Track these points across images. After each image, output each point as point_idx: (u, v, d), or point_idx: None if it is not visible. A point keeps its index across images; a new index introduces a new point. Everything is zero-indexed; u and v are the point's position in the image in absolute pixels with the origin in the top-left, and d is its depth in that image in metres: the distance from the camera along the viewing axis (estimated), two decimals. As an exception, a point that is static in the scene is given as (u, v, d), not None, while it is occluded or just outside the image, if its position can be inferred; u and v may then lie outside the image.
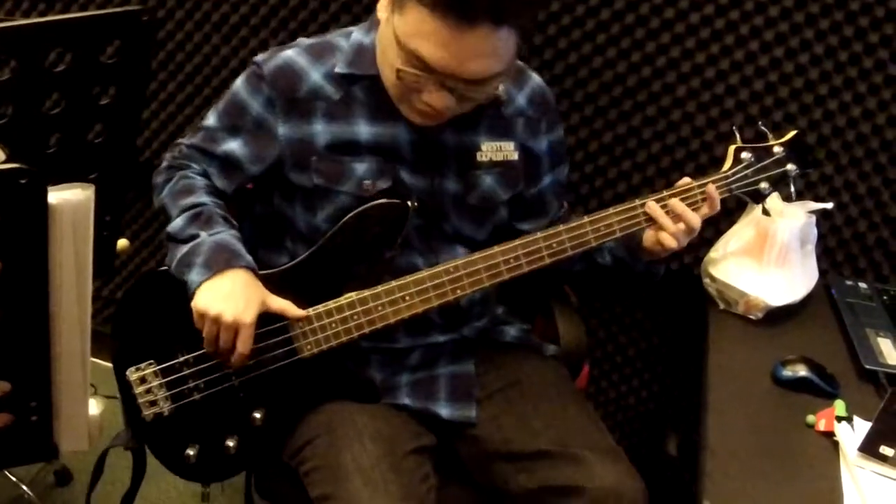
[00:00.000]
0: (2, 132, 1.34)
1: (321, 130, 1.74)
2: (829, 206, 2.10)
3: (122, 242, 1.84)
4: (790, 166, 1.81)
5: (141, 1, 2.54)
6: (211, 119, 1.83)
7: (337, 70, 1.73)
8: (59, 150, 1.42)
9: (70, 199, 1.01)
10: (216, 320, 1.63)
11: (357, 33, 1.77)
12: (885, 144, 2.13)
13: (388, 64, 1.62)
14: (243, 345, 1.65)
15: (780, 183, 1.82)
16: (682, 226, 1.72)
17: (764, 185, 1.80)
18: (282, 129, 1.74)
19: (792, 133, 1.84)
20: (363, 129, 1.74)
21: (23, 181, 0.96)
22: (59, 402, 1.17)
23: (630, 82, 2.23)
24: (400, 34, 1.56)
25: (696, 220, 1.73)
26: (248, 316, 1.64)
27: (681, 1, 2.13)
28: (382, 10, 1.64)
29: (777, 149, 1.81)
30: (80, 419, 1.20)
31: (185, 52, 2.56)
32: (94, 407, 1.23)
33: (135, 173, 1.57)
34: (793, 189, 1.84)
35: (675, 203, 1.73)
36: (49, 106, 1.38)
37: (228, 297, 1.65)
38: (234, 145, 1.79)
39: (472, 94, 1.62)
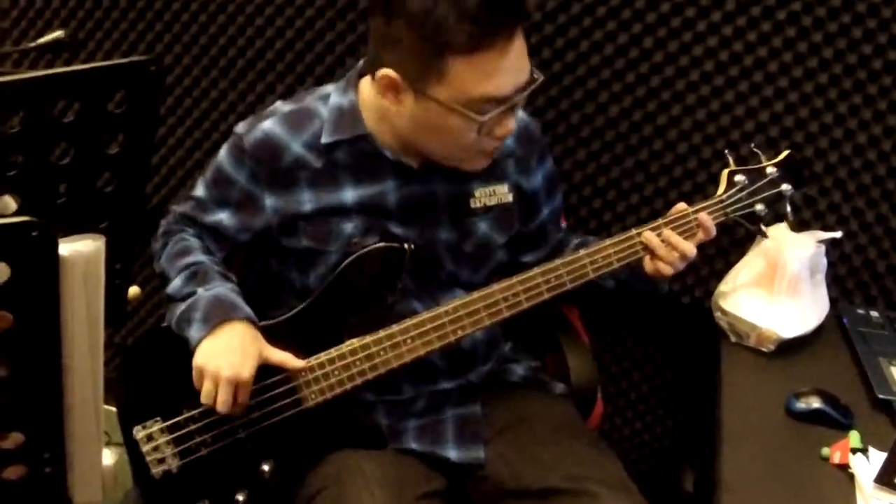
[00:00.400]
0: (12, 182, 1.35)
1: (307, 199, 1.75)
2: (838, 234, 2.09)
3: (134, 290, 1.84)
4: (785, 186, 1.81)
5: (148, 47, 2.57)
6: (199, 190, 1.85)
7: (323, 141, 1.74)
8: (68, 199, 1.42)
9: (81, 250, 1.02)
10: (214, 377, 1.64)
11: (335, 96, 1.78)
12: (892, 171, 2.13)
13: (452, 132, 1.63)
14: (242, 397, 1.66)
15: (775, 204, 1.82)
16: (675, 254, 1.73)
17: (759, 206, 1.80)
18: (268, 201, 1.76)
19: (785, 153, 1.84)
20: (349, 194, 1.75)
21: (34, 234, 0.97)
22: (72, 453, 1.17)
23: (625, 102, 2.23)
24: (455, 98, 1.57)
25: (690, 249, 1.73)
26: (246, 370, 1.64)
27: (673, 20, 2.13)
28: (396, 103, 1.64)
29: (770, 169, 1.82)
30: (93, 470, 1.20)
31: (192, 98, 2.57)
32: (108, 457, 1.23)
33: (145, 220, 1.58)
34: (789, 209, 1.84)
35: (668, 234, 1.74)
36: (58, 155, 1.39)
37: (226, 353, 1.65)
38: (222, 216, 1.82)
39: (523, 100, 1.67)
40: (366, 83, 1.75)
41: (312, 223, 1.75)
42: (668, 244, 1.73)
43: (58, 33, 1.67)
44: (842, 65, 2.07)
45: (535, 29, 2.19)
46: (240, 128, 1.79)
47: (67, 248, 1.01)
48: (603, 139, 2.28)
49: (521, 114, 1.87)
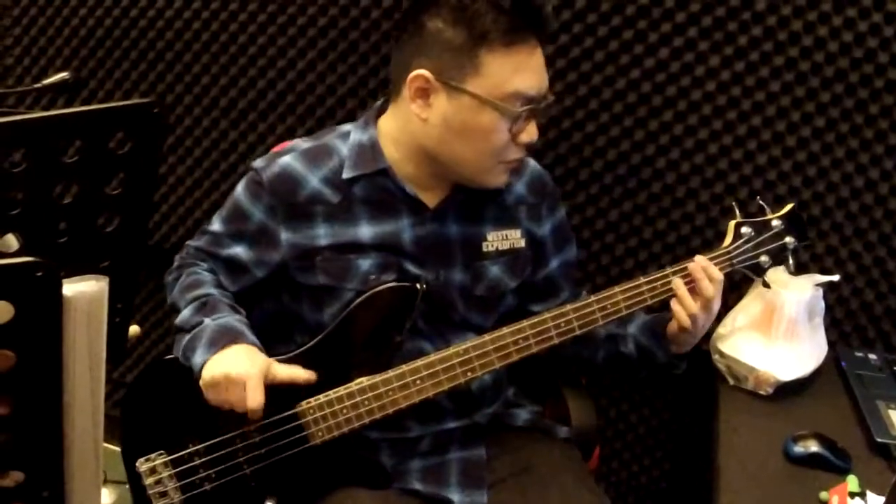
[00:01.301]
0: (14, 221, 1.35)
1: (323, 234, 1.76)
2: (836, 278, 2.10)
3: (134, 329, 1.85)
4: (788, 239, 1.83)
5: (150, 87, 2.59)
6: (216, 224, 1.86)
7: (344, 176, 1.76)
8: (70, 238, 1.43)
9: (84, 290, 1.02)
10: (223, 380, 1.63)
11: (355, 133, 1.81)
12: (889, 214, 2.15)
13: (481, 132, 1.67)
14: (252, 398, 1.62)
15: (779, 255, 1.83)
16: (698, 303, 1.73)
17: (764, 258, 1.82)
18: (284, 235, 1.77)
19: (789, 206, 1.86)
20: (365, 230, 1.76)
21: (39, 274, 0.97)
22: (71, 492, 1.16)
23: (634, 159, 2.26)
24: (489, 90, 1.63)
25: (709, 288, 1.73)
26: (255, 368, 1.63)
27: (683, 79, 2.16)
28: (425, 108, 1.68)
29: (775, 222, 1.83)
30: (92, 509, 1.20)
31: (193, 137, 2.59)
32: (107, 497, 1.23)
33: (145, 259, 1.58)
34: (791, 261, 1.85)
35: (677, 284, 1.75)
36: (60, 194, 1.40)
37: (233, 361, 1.65)
38: (238, 250, 1.82)
39: (544, 115, 1.74)
40: (385, 118, 1.79)
41: (329, 259, 1.76)
42: (691, 285, 1.74)
43: (63, 74, 1.69)
44: (839, 109, 2.09)
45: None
46: (258, 163, 1.80)
47: (71, 288, 1.01)
48: (611, 196, 2.31)
49: (533, 164, 1.92)
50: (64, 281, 1.00)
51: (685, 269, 1.76)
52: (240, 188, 1.83)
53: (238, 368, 1.63)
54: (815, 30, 2.05)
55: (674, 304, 1.75)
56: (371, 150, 1.76)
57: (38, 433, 1.09)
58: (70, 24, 2.61)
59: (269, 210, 1.77)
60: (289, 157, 1.79)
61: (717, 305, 1.75)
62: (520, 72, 1.64)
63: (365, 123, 1.81)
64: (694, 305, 1.73)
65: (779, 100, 2.12)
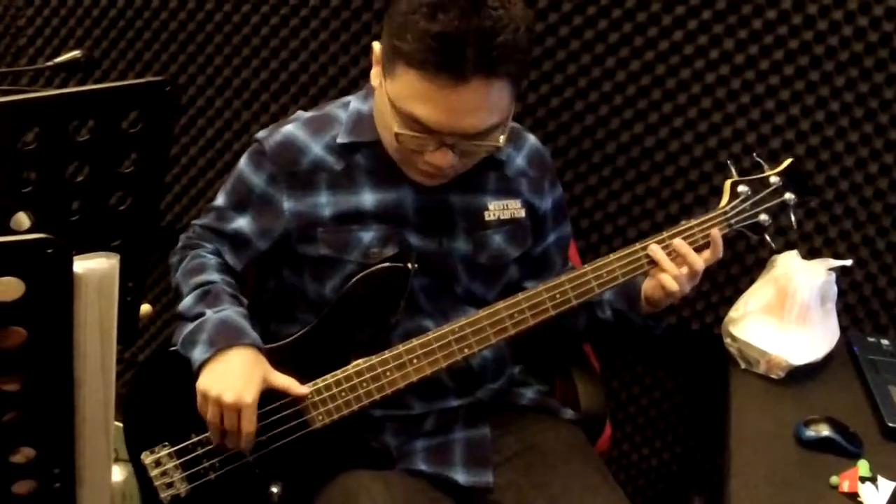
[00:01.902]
0: (27, 199, 1.35)
1: (325, 202, 1.76)
2: (849, 262, 2.09)
3: (146, 308, 1.85)
4: (788, 195, 1.81)
5: (163, 67, 2.59)
6: (220, 199, 1.86)
7: (339, 140, 1.76)
8: (82, 217, 1.43)
9: (95, 268, 1.02)
10: (217, 402, 1.63)
11: (354, 102, 1.81)
12: (904, 199, 2.14)
13: (387, 129, 1.65)
14: (246, 425, 1.65)
15: (779, 213, 1.82)
16: (685, 269, 1.72)
17: (763, 216, 1.80)
18: (287, 204, 1.77)
19: (787, 162, 1.84)
20: (367, 198, 1.75)
21: (49, 251, 0.97)
22: (82, 469, 1.17)
23: (626, 114, 2.25)
24: (393, 98, 1.59)
25: (698, 261, 1.72)
26: (249, 396, 1.63)
27: (675, 33, 2.15)
28: (375, 77, 1.67)
29: (773, 179, 1.81)
30: (103, 486, 1.20)
31: (206, 118, 2.59)
32: (118, 474, 1.23)
33: (157, 238, 1.58)
34: (793, 218, 1.84)
35: (679, 243, 1.73)
36: (72, 173, 1.40)
37: (229, 378, 1.65)
38: (242, 222, 1.82)
39: (473, 149, 1.64)
40: None
41: (330, 230, 1.76)
42: (676, 255, 1.73)
43: (75, 53, 1.69)
44: (853, 93, 2.09)
45: (537, 41, 2.20)
46: (260, 134, 1.81)
47: (82, 265, 1.01)
48: (604, 151, 2.30)
49: (532, 139, 1.90)
50: (75, 258, 1.00)
51: (682, 232, 1.74)
52: (243, 160, 1.83)
53: (232, 392, 1.63)
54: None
55: (657, 272, 1.74)
56: (369, 120, 1.76)
57: (49, 410, 1.09)
58: (83, 5, 2.60)
59: (271, 178, 1.77)
60: (291, 126, 1.80)
61: (700, 271, 1.74)
62: (422, 100, 1.55)
63: (365, 94, 1.81)
64: (675, 269, 1.71)
65: (793, 84, 2.11)
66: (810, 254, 2.18)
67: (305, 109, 2.40)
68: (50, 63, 1.67)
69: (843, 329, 2.11)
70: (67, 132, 1.32)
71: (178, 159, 2.66)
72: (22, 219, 1.38)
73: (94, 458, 1.17)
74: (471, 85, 1.52)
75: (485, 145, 1.64)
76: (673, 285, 1.71)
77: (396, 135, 1.61)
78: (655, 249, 1.73)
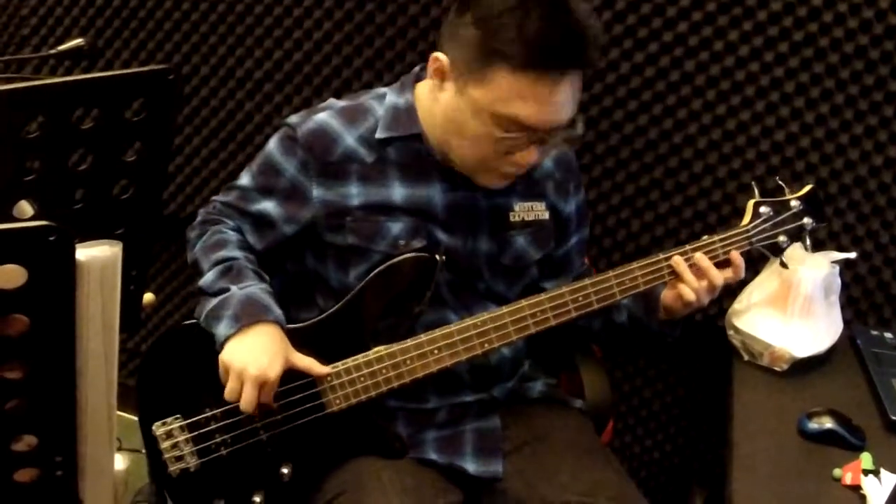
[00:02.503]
0: (29, 188, 1.35)
1: (355, 193, 1.75)
2: (853, 255, 2.09)
3: (148, 296, 1.85)
4: (806, 220, 1.82)
5: (166, 56, 2.59)
6: (245, 179, 1.84)
7: (377, 136, 1.75)
8: (85, 205, 1.43)
9: (98, 255, 1.02)
10: (240, 374, 1.63)
11: (391, 95, 1.80)
12: (908, 193, 2.13)
13: (468, 137, 1.65)
14: (267, 398, 1.65)
15: (797, 236, 1.83)
16: (704, 283, 1.73)
17: (782, 238, 1.81)
18: (316, 192, 1.76)
19: (808, 187, 1.85)
20: (397, 192, 1.75)
21: (52, 238, 0.97)
22: (84, 457, 1.17)
23: (652, 134, 2.24)
24: (487, 104, 1.59)
25: (718, 277, 1.73)
26: (273, 371, 1.63)
27: (701, 54, 2.15)
28: (437, 89, 1.68)
29: (794, 202, 1.83)
30: (105, 474, 1.20)
31: (209, 108, 2.59)
32: (120, 462, 1.23)
33: (160, 227, 1.58)
34: (808, 242, 1.85)
35: (700, 258, 1.74)
36: (76, 162, 1.40)
37: (253, 352, 1.65)
38: (268, 205, 1.80)
39: (560, 142, 1.68)
40: (423, 86, 1.78)
41: (359, 220, 1.75)
42: (696, 269, 1.74)
43: (78, 41, 1.68)
44: (858, 86, 2.08)
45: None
46: (293, 119, 1.79)
47: (84, 252, 1.01)
48: (628, 170, 2.30)
49: None
50: (77, 246, 1.00)
51: (704, 247, 1.75)
52: (273, 143, 1.81)
53: (257, 366, 1.63)
54: (835, 5, 2.03)
55: (678, 283, 1.74)
56: (406, 113, 1.76)
57: (52, 398, 1.09)
58: (87, -6, 2.61)
59: (302, 166, 1.76)
60: (324, 114, 1.78)
61: (720, 287, 1.75)
62: (523, 99, 1.58)
63: (402, 87, 1.80)
64: (696, 282, 1.72)
65: (797, 76, 2.10)
66: (814, 246, 2.17)
67: (309, 100, 2.42)
68: (53, 51, 1.67)
69: (846, 322, 2.10)
70: (70, 120, 1.32)
71: (181, 149, 2.65)
72: (25, 207, 1.38)
73: (97, 446, 1.17)
74: (568, 78, 1.58)
75: (571, 137, 1.69)
76: (691, 296, 1.73)
77: (497, 141, 1.62)
78: (678, 261, 1.74)
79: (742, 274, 1.77)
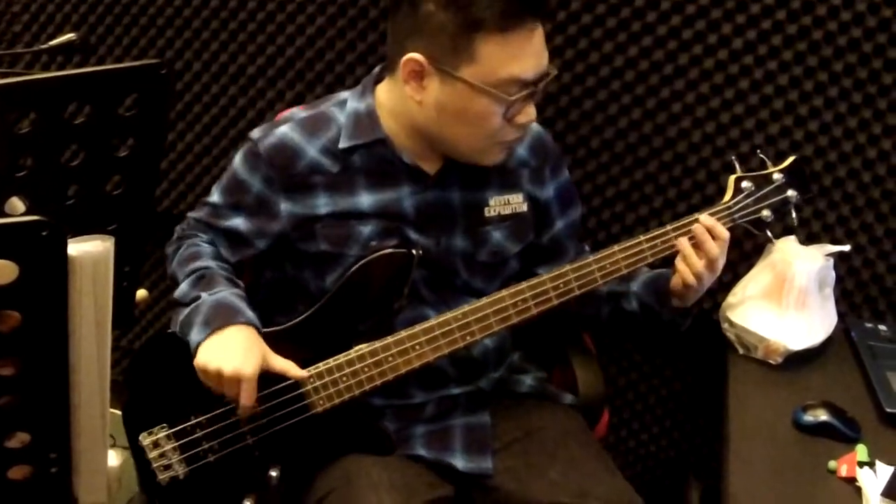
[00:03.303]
0: (22, 184, 1.34)
1: (323, 203, 1.76)
2: (847, 248, 2.09)
3: (142, 293, 1.84)
4: (790, 192, 1.82)
5: (158, 53, 2.58)
6: (215, 196, 1.86)
7: (340, 146, 1.75)
8: (77, 201, 1.42)
9: (90, 250, 1.02)
10: (217, 375, 1.63)
11: (351, 101, 1.79)
12: (901, 185, 2.13)
13: (474, 116, 1.65)
14: (245, 397, 1.65)
15: (781, 210, 1.82)
16: (703, 261, 1.72)
17: (766, 212, 1.82)
18: (283, 206, 1.76)
19: (790, 160, 1.85)
20: (365, 199, 1.75)
21: (44, 233, 0.97)
22: (78, 454, 1.16)
23: (635, 114, 2.24)
24: (483, 78, 1.60)
25: (714, 248, 1.73)
26: (248, 367, 1.63)
27: (684, 32, 2.13)
28: (418, 91, 1.66)
29: (776, 175, 1.83)
30: (99, 471, 1.20)
31: (202, 104, 2.58)
32: (114, 458, 1.23)
33: (154, 224, 1.57)
34: (794, 215, 1.85)
35: (697, 228, 1.74)
36: (68, 158, 1.39)
37: (225, 352, 1.65)
38: (237, 221, 1.82)
39: (544, 90, 1.72)
40: (382, 88, 1.77)
41: (329, 226, 1.75)
42: (694, 244, 1.74)
43: (69, 36, 1.67)
44: (852, 79, 2.07)
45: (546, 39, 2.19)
46: (255, 133, 1.79)
47: (76, 248, 1.01)
48: (612, 151, 2.29)
49: (535, 125, 1.88)
50: (69, 241, 1.00)
51: (687, 227, 1.75)
52: (237, 159, 1.82)
53: (232, 364, 1.63)
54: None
55: (678, 263, 1.75)
56: (368, 118, 1.75)
57: (44, 394, 1.09)
58: (79, -10, 2.60)
59: (267, 181, 1.76)
60: (286, 126, 1.78)
61: (721, 262, 1.76)
62: (516, 57, 1.60)
63: (362, 92, 1.79)
64: (699, 263, 1.73)
65: (791, 69, 2.10)
66: (808, 239, 2.18)
67: (301, 95, 2.41)
68: (45, 46, 1.65)
69: (840, 315, 2.11)
70: (62, 115, 1.32)
71: (174, 145, 2.65)
72: (16, 203, 1.37)
73: (90, 442, 1.17)
74: (538, 26, 1.62)
75: (550, 79, 1.71)
76: (689, 276, 1.73)
77: (508, 108, 1.63)
78: (683, 242, 1.75)
79: (726, 236, 1.75)
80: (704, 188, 2.25)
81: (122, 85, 1.33)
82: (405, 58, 1.63)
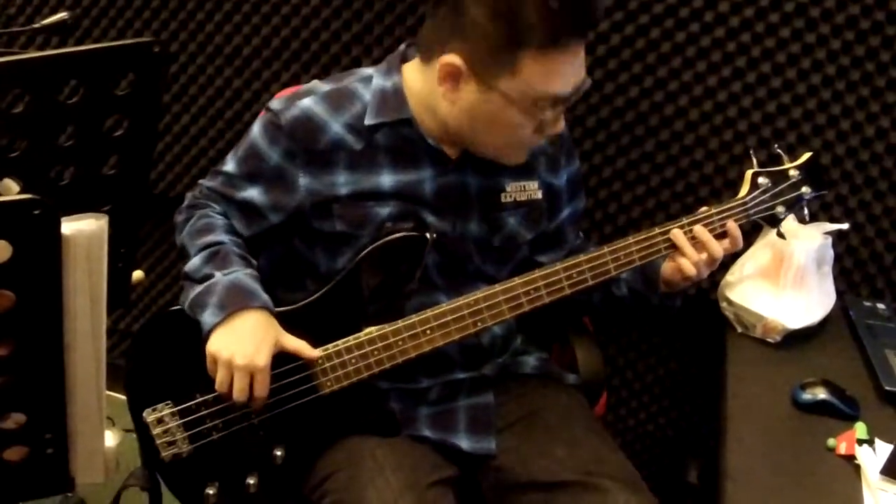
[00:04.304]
0: (16, 165, 1.34)
1: (343, 181, 1.73)
2: (845, 226, 2.09)
3: (138, 274, 1.83)
4: (805, 189, 1.81)
5: (153, 34, 2.57)
6: (230, 165, 1.82)
7: (366, 122, 1.72)
8: (72, 182, 1.41)
9: (84, 229, 1.01)
10: (228, 364, 1.62)
11: (377, 78, 1.76)
12: (900, 164, 2.12)
13: (506, 125, 1.63)
14: (260, 389, 1.64)
15: (795, 206, 1.82)
16: (704, 255, 1.72)
17: (780, 208, 1.80)
18: (303, 180, 1.73)
19: (807, 156, 1.83)
20: (387, 178, 1.73)
21: (36, 212, 0.96)
22: (74, 434, 1.16)
23: (643, 107, 2.23)
24: (523, 91, 1.57)
25: (718, 249, 1.72)
26: (261, 359, 1.62)
27: (691, 25, 2.13)
28: (454, 91, 1.63)
29: (793, 172, 1.81)
30: (96, 451, 1.20)
31: (197, 85, 2.57)
32: (111, 439, 1.22)
33: (149, 205, 1.56)
34: (806, 211, 1.83)
35: (700, 230, 1.73)
36: (62, 139, 1.39)
37: (240, 340, 1.63)
38: (253, 193, 1.78)
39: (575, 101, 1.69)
40: (411, 67, 1.74)
41: (347, 207, 1.73)
42: (696, 242, 1.73)
43: (62, 15, 1.66)
44: (849, 57, 2.07)
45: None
46: (275, 104, 1.75)
47: (70, 226, 1.00)
48: (620, 143, 2.29)
49: None
50: (63, 219, 0.99)
51: (700, 220, 1.75)
52: (256, 129, 1.78)
53: (243, 354, 1.62)
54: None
55: (677, 256, 1.74)
56: (395, 97, 1.73)
57: (40, 375, 1.09)
58: (73, -28, 2.59)
59: (288, 154, 1.74)
60: (309, 99, 1.74)
61: (720, 259, 1.75)
62: (557, 76, 1.58)
63: (388, 69, 1.76)
64: (696, 255, 1.72)
65: (789, 47, 2.09)
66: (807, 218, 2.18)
67: (297, 76, 2.40)
68: (37, 25, 1.64)
69: (839, 293, 2.11)
70: (55, 95, 1.31)
71: (169, 127, 2.64)
72: (10, 185, 1.36)
73: (87, 423, 1.16)
74: (582, 45, 1.59)
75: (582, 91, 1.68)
76: (691, 270, 1.72)
77: (541, 123, 1.62)
78: (678, 234, 1.73)
79: (740, 244, 1.76)
80: (712, 181, 2.25)
81: (115, 64, 1.32)
82: (444, 59, 1.60)
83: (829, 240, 2.05)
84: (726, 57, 2.14)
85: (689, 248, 1.72)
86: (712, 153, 2.23)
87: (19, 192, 1.35)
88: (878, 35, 2.03)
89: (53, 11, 2.64)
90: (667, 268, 1.78)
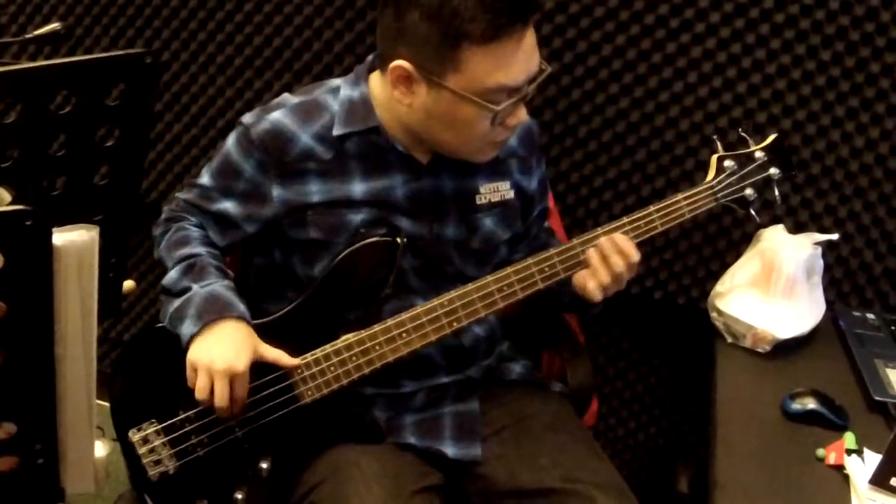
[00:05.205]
0: (7, 174, 1.34)
1: (316, 189, 1.74)
2: (835, 237, 2.09)
3: (129, 283, 1.83)
4: (773, 170, 1.82)
5: (146, 43, 2.57)
6: (205, 178, 1.83)
7: (334, 132, 1.73)
8: (64, 192, 1.42)
9: (75, 240, 1.02)
10: (208, 370, 1.62)
11: (345, 88, 1.78)
12: (889, 174, 2.13)
13: (463, 123, 1.63)
14: (239, 391, 1.64)
15: (764, 188, 1.83)
16: (608, 279, 1.72)
17: (749, 191, 1.81)
18: (276, 191, 1.75)
19: (772, 137, 1.84)
20: (357, 186, 1.74)
21: (28, 223, 0.97)
22: (65, 444, 1.16)
23: (623, 103, 2.24)
24: (470, 86, 1.58)
25: (618, 263, 1.71)
26: (240, 363, 1.62)
27: (661, 6, 2.13)
28: (407, 95, 1.64)
29: (759, 154, 1.82)
30: (86, 461, 1.20)
31: (189, 94, 2.58)
32: (101, 449, 1.23)
33: (140, 215, 1.57)
34: (777, 193, 1.85)
35: (603, 242, 1.72)
36: (54, 148, 1.39)
37: (219, 345, 1.64)
38: (227, 205, 1.80)
39: (534, 90, 1.67)
40: (376, 77, 1.75)
41: (320, 214, 1.75)
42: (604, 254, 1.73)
43: (55, 25, 1.66)
44: (840, 67, 2.08)
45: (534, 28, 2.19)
46: (247, 118, 1.77)
47: (61, 237, 1.01)
48: (590, 127, 2.29)
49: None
50: (54, 230, 1.00)
51: (669, 206, 1.76)
52: (230, 143, 1.80)
53: (223, 359, 1.62)
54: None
55: (586, 273, 1.73)
56: (362, 106, 1.75)
57: (30, 384, 1.09)
58: (64, -19, 2.59)
59: (261, 166, 1.75)
60: (278, 112, 1.76)
61: (627, 277, 1.74)
62: (502, 67, 1.58)
63: (355, 80, 1.78)
64: (606, 276, 1.72)
65: (780, 58, 2.10)
66: (796, 228, 2.18)
67: (289, 86, 2.41)
68: (30, 35, 1.64)
69: (828, 303, 2.11)
70: (47, 105, 1.31)
71: (161, 136, 2.64)
72: (2, 194, 1.37)
73: (77, 433, 1.17)
74: (527, 30, 1.58)
75: (542, 77, 1.67)
76: (597, 296, 1.73)
77: (495, 116, 1.61)
78: (592, 254, 1.73)
79: (635, 256, 1.73)
80: (693, 177, 2.25)
81: (107, 74, 1.33)
82: (392, 64, 1.62)
83: (819, 250, 2.05)
84: (696, 38, 2.14)
85: (600, 267, 1.72)
86: (693, 149, 2.23)
87: (11, 202, 1.35)
88: (869, 46, 2.04)
89: (46, 20, 2.64)
90: (574, 278, 1.77)
